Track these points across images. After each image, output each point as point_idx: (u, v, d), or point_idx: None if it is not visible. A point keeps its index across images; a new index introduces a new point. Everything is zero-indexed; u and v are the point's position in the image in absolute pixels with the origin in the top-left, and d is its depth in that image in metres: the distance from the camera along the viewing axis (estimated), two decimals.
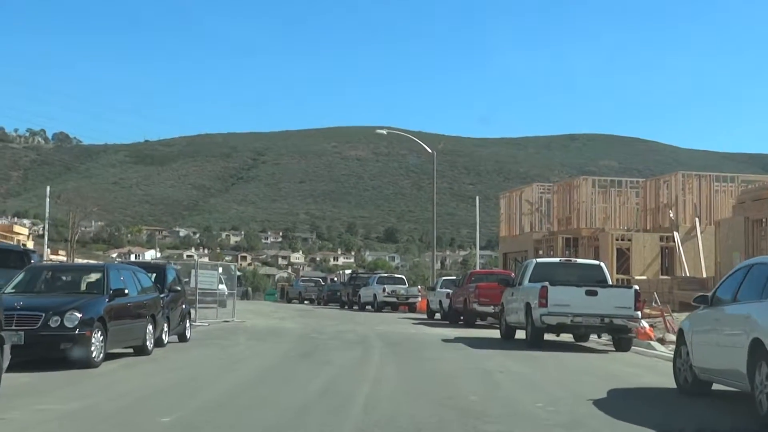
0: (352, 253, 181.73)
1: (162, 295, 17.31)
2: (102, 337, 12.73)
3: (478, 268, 48.48)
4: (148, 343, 14.90)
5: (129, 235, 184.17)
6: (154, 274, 18.35)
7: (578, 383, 11.74)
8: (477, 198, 63.15)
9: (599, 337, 20.06)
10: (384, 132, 46.25)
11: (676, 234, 40.66)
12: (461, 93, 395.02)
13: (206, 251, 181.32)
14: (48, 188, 53.84)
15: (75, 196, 54.03)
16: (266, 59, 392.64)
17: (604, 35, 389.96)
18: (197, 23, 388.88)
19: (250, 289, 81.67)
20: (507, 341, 20.50)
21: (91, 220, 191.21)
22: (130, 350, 14.74)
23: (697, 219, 40.90)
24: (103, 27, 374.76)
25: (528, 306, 18.51)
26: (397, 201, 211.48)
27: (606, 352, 18.22)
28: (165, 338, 17.04)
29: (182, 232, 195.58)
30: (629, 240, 41.33)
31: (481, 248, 65.62)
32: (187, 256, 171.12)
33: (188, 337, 18.93)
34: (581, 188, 45.27)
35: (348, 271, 59.73)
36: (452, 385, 11.06)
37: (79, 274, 14.90)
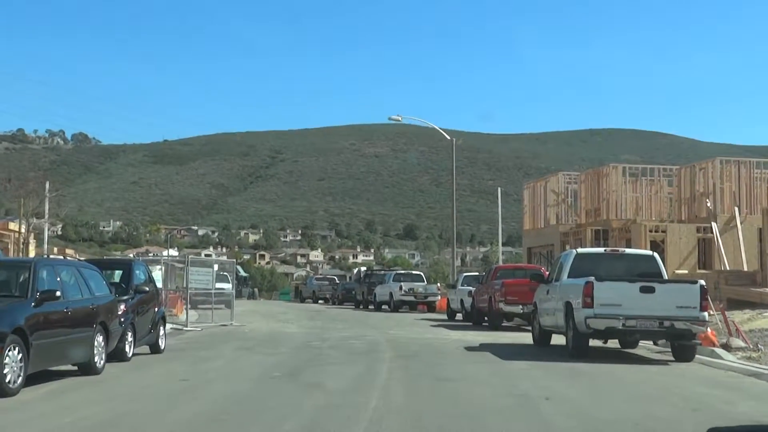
0: (372, 250, 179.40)
1: (125, 298, 14.33)
2: (21, 355, 9.70)
3: (501, 263, 45.28)
4: (96, 359, 11.86)
5: (147, 235, 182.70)
6: (120, 272, 15.43)
7: (657, 418, 8.54)
8: (499, 189, 59.80)
9: (655, 343, 16.70)
10: (399, 118, 43.01)
11: (714, 224, 37.39)
12: (481, 89, 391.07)
13: (224, 250, 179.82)
14: (47, 184, 50.97)
15: (29, 181, 50.03)
16: (284, 58, 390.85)
17: (624, 31, 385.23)
18: (215, 23, 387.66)
19: (256, 289, 78.74)
20: (542, 349, 17.32)
21: (110, 219, 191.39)
22: (75, 368, 11.74)
23: (736, 208, 37.62)
24: (121, 27, 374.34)
25: (569, 306, 15.30)
26: (416, 198, 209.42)
27: (666, 363, 14.96)
28: (129, 350, 14.04)
29: (201, 231, 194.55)
30: (664, 231, 38.07)
31: (502, 244, 62.27)
32: (206, 254, 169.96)
33: (162, 347, 15.88)
34: (610, 177, 42.00)
35: (363, 269, 56.53)
36: (481, 425, 7.91)
37: (14, 273, 11.74)
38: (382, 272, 45.85)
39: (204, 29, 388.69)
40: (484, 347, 17.47)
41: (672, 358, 15.35)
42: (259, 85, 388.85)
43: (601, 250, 18.19)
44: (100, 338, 12.02)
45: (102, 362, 12.07)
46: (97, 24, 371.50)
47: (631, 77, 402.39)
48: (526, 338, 20.46)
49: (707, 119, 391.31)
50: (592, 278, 14.68)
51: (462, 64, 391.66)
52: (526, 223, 49.01)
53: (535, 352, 16.59)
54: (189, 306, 26.80)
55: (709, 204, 37.96)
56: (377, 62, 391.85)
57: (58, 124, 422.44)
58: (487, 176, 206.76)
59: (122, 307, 14.02)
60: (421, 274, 43.45)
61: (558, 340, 17.64)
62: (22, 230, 44.90)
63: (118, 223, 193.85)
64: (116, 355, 13.65)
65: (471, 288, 29.39)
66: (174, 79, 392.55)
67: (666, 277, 16.50)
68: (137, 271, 15.44)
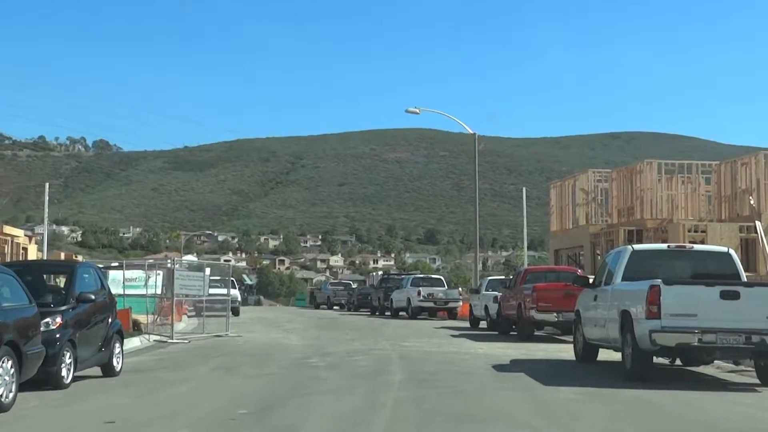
0: (392, 255, 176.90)
1: (63, 308, 11.31)
2: None
3: (526, 265, 42.08)
4: (1, 390, 8.83)
5: (167, 241, 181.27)
6: (65, 277, 12.43)
7: None
8: (524, 189, 56.44)
9: (737, 363, 13.28)
10: (417, 110, 39.95)
11: (758, 223, 34.23)
12: (502, 93, 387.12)
13: (244, 255, 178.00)
14: (47, 185, 48.34)
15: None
16: (304, 63, 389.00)
17: (645, 34, 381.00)
18: (235, 30, 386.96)
19: (261, 297, 76.47)
20: (588, 368, 14.11)
21: (130, 226, 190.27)
22: None
23: None
24: (142, 35, 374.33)
25: (626, 317, 12.09)
26: (437, 202, 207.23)
27: (753, 388, 11.70)
28: (67, 375, 11.04)
29: (221, 237, 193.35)
30: (703, 231, 34.90)
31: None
32: (225, 260, 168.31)
33: (118, 368, 12.82)
34: (644, 174, 38.82)
35: (380, 272, 53.54)
36: None
37: None
38: (400, 276, 42.76)
39: (224, 36, 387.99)
40: (516, 365, 14.32)
41: (756, 381, 12.14)
42: (279, 91, 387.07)
43: (662, 246, 14.89)
44: (7, 364, 8.99)
45: (10, 395, 9.03)
46: (118, 32, 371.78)
47: (652, 80, 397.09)
48: (563, 351, 17.33)
49: (730, 121, 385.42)
50: (658, 281, 11.45)
51: (482, 68, 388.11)
52: (552, 224, 45.89)
53: (581, 372, 13.40)
54: (188, 314, 24.07)
55: (752, 201, 34.94)
56: (396, 67, 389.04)
57: (79, 131, 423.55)
58: (508, 180, 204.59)
59: (58, 320, 11.04)
60: (441, 278, 40.34)
61: (605, 355, 14.52)
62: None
63: (137, 229, 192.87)
64: (51, 381, 10.71)
65: (496, 293, 26.26)
66: (194, 86, 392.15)
67: (745, 279, 13.24)
68: (84, 276, 12.40)
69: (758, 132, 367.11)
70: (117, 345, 12.87)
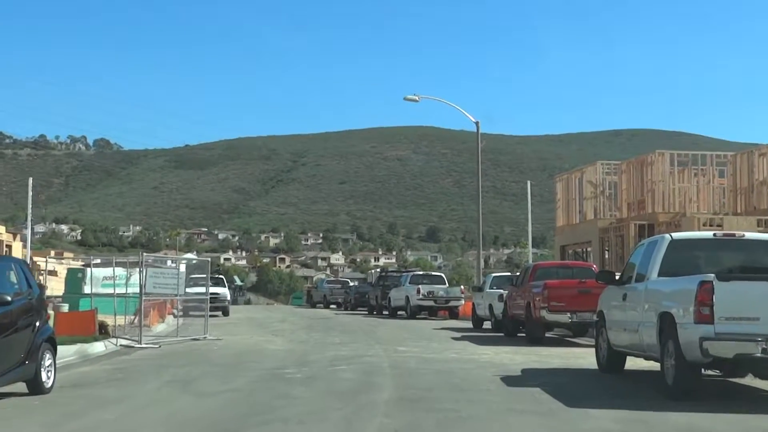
0: (394, 253, 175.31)
1: None
2: None
3: (531, 262, 39.88)
4: None
5: (167, 239, 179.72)
6: None
7: None
8: (528, 183, 54.18)
9: None
10: (416, 98, 37.76)
11: None
12: (504, 91, 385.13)
13: (244, 254, 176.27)
14: (30, 180, 46.12)
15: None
16: (305, 62, 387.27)
17: (647, 32, 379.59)
18: (236, 30, 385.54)
19: (251, 296, 74.78)
20: (617, 380, 11.83)
21: (130, 224, 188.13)
22: None
23: None
24: (142, 35, 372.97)
25: (666, 320, 9.80)
26: (438, 200, 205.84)
27: None
28: None
29: (221, 235, 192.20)
30: (719, 225, 32.68)
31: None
32: (225, 258, 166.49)
33: (49, 384, 10.53)
34: (656, 165, 36.62)
35: (378, 269, 51.37)
36: None
37: None
38: (399, 274, 40.53)
39: (225, 35, 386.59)
40: (529, 377, 12.07)
41: None
42: (280, 90, 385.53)
43: (707, 234, 12.53)
44: None
45: None
46: (120, 31, 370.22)
47: (654, 77, 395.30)
48: (581, 358, 15.13)
49: (734, 119, 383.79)
50: (711, 276, 9.17)
51: (484, 67, 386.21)
52: (559, 219, 43.63)
53: (609, 386, 11.10)
54: (174, 314, 21.86)
55: None
56: (397, 65, 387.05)
57: (80, 129, 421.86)
58: (510, 178, 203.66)
59: None
60: (442, 275, 38.07)
61: (632, 363, 12.32)
62: None
63: (137, 228, 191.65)
64: None
65: (501, 291, 24.03)
66: (195, 85, 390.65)
67: None
68: (2, 274, 10.11)
69: (763, 130, 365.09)
70: (47, 356, 10.57)
